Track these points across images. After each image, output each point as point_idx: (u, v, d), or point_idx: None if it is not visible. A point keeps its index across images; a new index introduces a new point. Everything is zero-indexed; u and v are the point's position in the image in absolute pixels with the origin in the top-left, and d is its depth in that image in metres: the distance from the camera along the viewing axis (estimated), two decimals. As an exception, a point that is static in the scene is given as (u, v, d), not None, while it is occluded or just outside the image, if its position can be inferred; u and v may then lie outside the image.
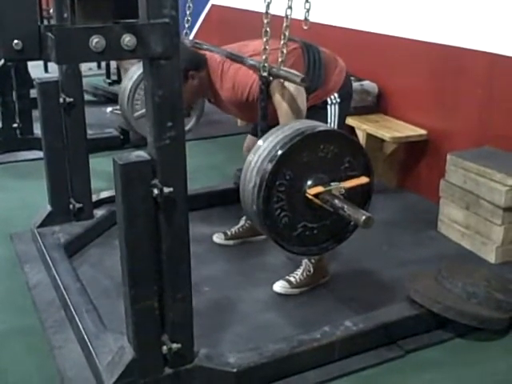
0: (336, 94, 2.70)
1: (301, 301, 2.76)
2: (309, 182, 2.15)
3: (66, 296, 2.61)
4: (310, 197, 2.13)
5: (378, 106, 4.07)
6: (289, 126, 2.19)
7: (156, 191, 1.87)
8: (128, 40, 1.72)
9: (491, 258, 3.08)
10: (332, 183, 2.14)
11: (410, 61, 3.85)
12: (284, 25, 2.34)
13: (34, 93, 3.55)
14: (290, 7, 2.32)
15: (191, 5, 2.98)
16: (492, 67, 3.31)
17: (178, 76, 1.86)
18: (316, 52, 2.72)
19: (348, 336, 2.35)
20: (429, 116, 3.77)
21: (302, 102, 2.49)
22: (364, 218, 2.01)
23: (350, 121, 3.95)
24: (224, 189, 3.82)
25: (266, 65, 2.39)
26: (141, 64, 4.03)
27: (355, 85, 3.99)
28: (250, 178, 2.14)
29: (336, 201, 2.09)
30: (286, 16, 2.33)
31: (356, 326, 2.39)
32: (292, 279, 2.81)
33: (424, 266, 2.91)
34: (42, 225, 3.25)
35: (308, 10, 2.42)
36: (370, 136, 3.83)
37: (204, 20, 6.54)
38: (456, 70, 3.52)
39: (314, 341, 2.31)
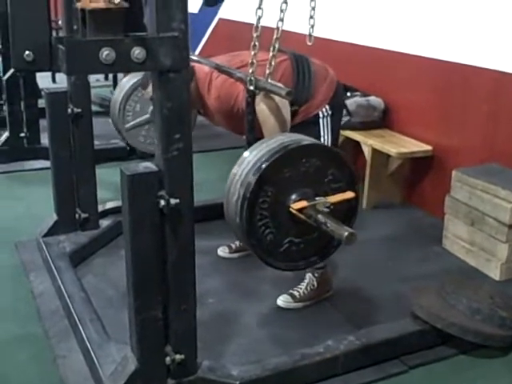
0: (327, 106, 2.68)
1: (304, 314, 2.76)
2: (293, 197, 2.10)
3: (71, 305, 2.62)
4: (294, 211, 2.08)
5: (383, 121, 4.08)
6: (274, 140, 2.16)
7: (163, 202, 1.88)
8: (138, 53, 1.74)
9: (495, 274, 3.07)
10: (317, 198, 2.10)
11: (416, 77, 3.86)
12: (274, 37, 2.34)
13: (41, 103, 3.58)
14: (281, 20, 2.32)
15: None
16: (498, 84, 3.33)
17: (187, 89, 1.88)
18: (305, 63, 2.70)
19: (351, 350, 2.35)
20: (434, 132, 3.78)
21: (287, 113, 2.48)
22: (347, 234, 1.96)
23: (355, 136, 3.97)
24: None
25: (252, 78, 2.38)
26: (132, 75, 4.07)
27: (361, 100, 4.02)
28: (233, 191, 2.11)
29: (319, 216, 2.04)
30: (277, 28, 2.34)
31: (359, 340, 2.39)
32: (296, 293, 2.81)
33: (428, 281, 2.90)
34: (48, 234, 3.27)
35: (312, 26, 2.43)
36: (375, 151, 3.84)
37: (211, 34, 6.59)
38: (462, 87, 3.54)
39: (317, 355, 2.31)
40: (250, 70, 2.38)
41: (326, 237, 2.15)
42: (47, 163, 3.41)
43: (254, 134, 2.48)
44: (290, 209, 2.09)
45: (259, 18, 2.35)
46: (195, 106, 2.86)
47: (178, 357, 2.05)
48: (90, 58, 1.72)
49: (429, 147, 3.77)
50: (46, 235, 3.26)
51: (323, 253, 2.25)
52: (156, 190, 1.89)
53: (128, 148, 4.90)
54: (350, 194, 2.16)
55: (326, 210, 2.10)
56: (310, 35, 2.43)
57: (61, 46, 1.77)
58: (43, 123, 3.54)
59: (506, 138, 3.33)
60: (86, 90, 3.21)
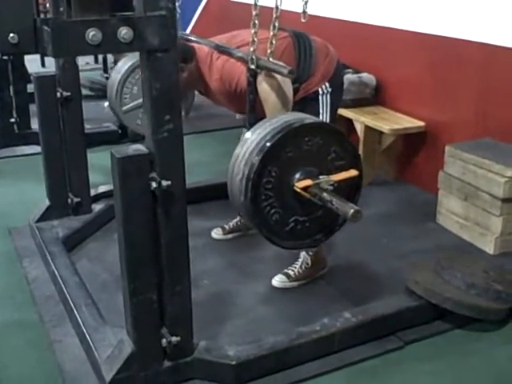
0: (327, 84, 2.67)
1: (300, 293, 2.76)
2: (297, 176, 2.11)
3: (65, 290, 2.61)
4: (299, 190, 2.10)
5: (376, 98, 4.06)
6: (277, 119, 2.16)
7: (154, 184, 1.87)
8: (124, 33, 1.72)
9: (490, 248, 3.08)
10: (321, 176, 2.11)
11: (408, 52, 3.84)
12: (274, 16, 2.32)
13: (31, 87, 3.54)
14: None
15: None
16: (490, 58, 3.31)
17: (175, 69, 1.85)
18: (306, 40, 2.69)
19: (347, 328, 2.35)
20: (427, 108, 3.77)
21: (289, 92, 2.47)
22: (352, 211, 1.97)
23: (347, 113, 3.95)
24: (222, 182, 3.75)
25: (253, 57, 2.37)
26: (129, 57, 4.04)
27: (353, 77, 3.99)
28: (237, 171, 2.12)
29: (324, 194, 2.06)
30: (276, 7, 2.31)
31: (355, 317, 2.39)
32: (290, 272, 2.81)
33: (423, 257, 2.91)
34: (41, 219, 3.25)
35: (306, 3, 2.40)
36: (368, 128, 3.83)
37: (202, 12, 6.52)
38: (454, 62, 3.52)
39: (314, 333, 2.32)
40: (252, 49, 2.36)
41: (331, 214, 2.17)
42: (38, 148, 3.38)
43: (256, 114, 2.47)
44: (295, 188, 2.10)
45: None
46: (196, 87, 2.85)
47: (174, 339, 2.05)
48: (75, 39, 1.69)
49: (421, 123, 3.76)
50: (38, 220, 3.24)
51: (328, 230, 2.27)
52: (147, 172, 1.88)
53: (119, 131, 4.89)
54: (353, 172, 2.17)
55: (330, 187, 2.11)
56: (304, 12, 2.39)
57: (46, 28, 1.74)
58: (33, 108, 3.50)
59: (498, 112, 3.32)
60: (75, 74, 3.17)
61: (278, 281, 2.80)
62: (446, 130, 3.64)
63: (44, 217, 3.26)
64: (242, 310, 2.65)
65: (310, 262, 2.81)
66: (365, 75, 4.04)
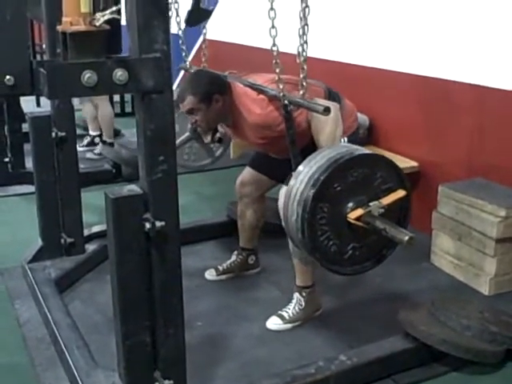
0: (345, 138, 2.70)
1: (294, 335, 2.73)
2: (349, 205, 2.18)
3: (57, 332, 2.57)
4: (352, 221, 2.17)
5: (369, 138, 4.09)
6: (321, 156, 2.23)
7: (148, 225, 1.86)
8: (120, 75, 1.74)
9: (485, 289, 3.07)
10: (371, 203, 2.17)
11: (401, 93, 3.89)
12: (301, 59, 2.34)
13: (25, 127, 3.55)
14: (305, 42, 2.33)
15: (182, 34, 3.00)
16: (481, 99, 3.35)
17: (170, 110, 1.86)
18: (337, 96, 2.75)
19: (343, 370, 2.32)
20: (420, 148, 3.79)
21: (341, 121, 2.55)
22: (407, 238, 2.07)
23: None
24: (216, 222, 3.81)
25: (285, 94, 2.41)
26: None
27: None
28: (291, 212, 2.20)
29: (377, 222, 2.13)
30: (302, 51, 2.34)
31: (350, 360, 2.36)
32: (285, 314, 2.78)
33: (418, 298, 2.90)
34: (33, 260, 3.22)
35: (304, 44, 2.43)
36: (361, 168, 3.84)
37: (196, 54, 6.60)
38: (446, 102, 3.56)
39: (309, 376, 2.28)
40: (281, 86, 2.40)
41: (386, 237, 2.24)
42: (32, 188, 3.38)
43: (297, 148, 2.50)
44: (348, 219, 2.17)
45: (274, 38, 2.34)
46: (226, 120, 2.81)
47: (167, 382, 2.02)
48: (71, 81, 1.71)
49: (415, 163, 3.78)
50: (31, 261, 3.22)
51: (387, 249, 2.33)
52: (141, 212, 1.87)
53: (114, 170, 4.90)
54: (401, 193, 2.24)
55: (381, 211, 2.18)
56: (299, 54, 2.42)
57: (42, 70, 1.75)
58: (27, 147, 3.51)
59: (491, 152, 3.35)
60: (70, 114, 3.19)
61: (272, 323, 2.78)
62: (439, 169, 3.66)
63: (36, 257, 3.23)
64: (236, 352, 2.61)
65: (304, 304, 2.79)
66: (358, 115, 4.06)
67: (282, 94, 2.42)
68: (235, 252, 3.27)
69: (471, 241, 3.12)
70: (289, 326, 2.77)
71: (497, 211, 2.98)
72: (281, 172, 2.87)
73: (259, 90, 2.61)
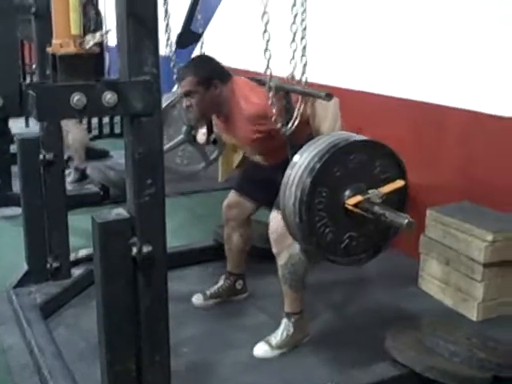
0: None
1: (282, 361, 2.70)
2: (346, 193, 2.17)
3: (41, 360, 2.53)
4: (350, 207, 2.15)
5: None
6: (321, 141, 2.23)
7: (135, 250, 1.85)
8: (109, 97, 1.73)
9: (473, 315, 3.06)
10: (369, 190, 2.17)
11: (391, 117, 3.91)
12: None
13: (13, 148, 3.53)
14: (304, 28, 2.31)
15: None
16: (470, 124, 3.38)
17: (159, 133, 1.86)
18: None
19: (331, 397, 2.30)
20: (409, 171, 3.79)
21: (339, 124, 2.59)
22: (406, 221, 2.06)
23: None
24: (203, 246, 3.78)
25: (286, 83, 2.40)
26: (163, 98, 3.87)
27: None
28: (289, 195, 2.18)
29: (376, 208, 2.12)
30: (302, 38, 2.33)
31: (339, 386, 2.34)
32: (272, 340, 2.75)
33: (405, 323, 2.87)
34: (18, 285, 3.18)
35: (294, 69, 2.44)
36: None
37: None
38: (436, 127, 3.58)
39: (296, 403, 2.26)
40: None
41: (383, 227, 2.24)
42: (19, 210, 3.34)
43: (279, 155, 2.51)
44: (346, 205, 2.15)
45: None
46: (220, 110, 2.75)
47: (153, 409, 1.99)
48: (60, 103, 1.70)
49: (403, 187, 3.78)
50: (16, 286, 3.17)
51: (382, 243, 2.33)
52: (128, 237, 1.85)
53: (101, 193, 4.87)
54: (400, 183, 2.25)
55: (379, 200, 2.16)
56: (292, 77, 2.44)
57: (31, 92, 1.75)
58: (15, 169, 3.49)
59: (480, 177, 3.36)
60: (59, 136, 3.17)
61: (259, 349, 2.74)
62: (428, 193, 3.66)
63: (22, 282, 3.19)
64: (223, 379, 2.58)
65: (292, 330, 2.76)
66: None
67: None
68: (223, 276, 3.24)
69: (459, 265, 3.12)
70: (276, 352, 2.74)
71: (484, 235, 2.98)
72: (264, 196, 2.89)
73: (261, 81, 2.57)
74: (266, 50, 2.31)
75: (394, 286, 3.44)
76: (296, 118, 2.43)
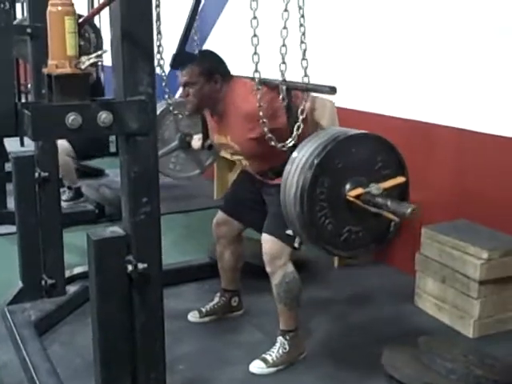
0: None
1: (278, 378, 2.70)
2: (348, 186, 2.18)
3: (36, 377, 2.51)
4: (351, 199, 2.16)
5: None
6: (323, 134, 2.25)
7: (130, 267, 1.85)
8: (104, 117, 1.74)
9: (469, 332, 3.06)
10: (370, 184, 2.18)
11: (384, 135, 3.92)
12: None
13: (8, 166, 3.53)
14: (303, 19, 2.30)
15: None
16: (463, 142, 3.40)
17: (154, 152, 1.87)
18: None
19: (327, 416, 2.29)
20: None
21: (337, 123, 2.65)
22: (409, 210, 2.07)
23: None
24: (198, 264, 3.78)
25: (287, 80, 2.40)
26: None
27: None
28: (290, 184, 2.19)
29: (378, 199, 2.13)
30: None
31: (335, 404, 2.33)
32: (268, 358, 2.74)
33: (402, 341, 2.87)
34: (13, 302, 3.16)
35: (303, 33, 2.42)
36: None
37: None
38: (429, 145, 3.60)
39: (292, 421, 2.25)
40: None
41: (383, 223, 2.26)
42: (13, 228, 3.34)
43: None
44: (347, 197, 2.17)
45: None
46: (215, 106, 2.74)
47: (148, 428, 1.98)
48: (55, 123, 1.71)
49: (398, 205, 3.79)
50: (10, 303, 3.16)
51: (381, 238, 2.33)
52: (123, 254, 1.85)
53: (96, 211, 4.86)
54: (401, 179, 2.26)
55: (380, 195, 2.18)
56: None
57: (26, 112, 1.76)
58: (10, 187, 3.49)
59: (473, 193, 3.37)
60: (54, 154, 3.18)
61: (255, 367, 2.73)
62: (423, 211, 3.66)
63: (16, 299, 3.17)
64: (219, 397, 2.57)
65: (287, 347, 2.75)
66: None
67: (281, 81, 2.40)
68: (218, 294, 3.24)
69: (455, 283, 3.12)
70: (272, 369, 2.73)
71: (479, 253, 2.99)
72: (250, 218, 2.93)
73: (261, 80, 2.51)
74: (255, 53, 2.30)
75: (390, 304, 3.44)
76: (294, 137, 2.38)
